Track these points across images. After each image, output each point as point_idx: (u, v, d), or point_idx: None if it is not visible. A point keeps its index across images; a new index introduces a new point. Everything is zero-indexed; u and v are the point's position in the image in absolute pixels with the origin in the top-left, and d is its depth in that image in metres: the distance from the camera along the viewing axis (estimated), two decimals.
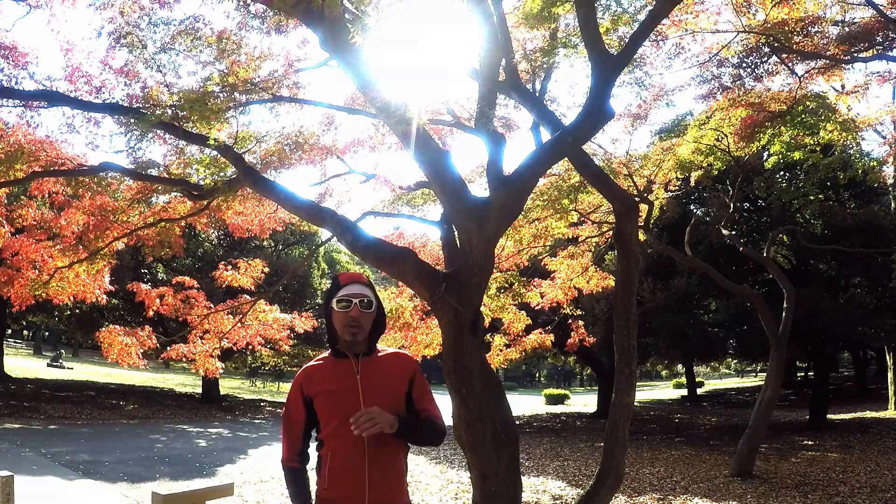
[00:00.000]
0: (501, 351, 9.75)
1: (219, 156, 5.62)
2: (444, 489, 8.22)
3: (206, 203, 6.33)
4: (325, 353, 2.18)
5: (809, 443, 12.22)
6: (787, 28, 6.48)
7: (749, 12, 6.72)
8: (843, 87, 8.00)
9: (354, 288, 2.08)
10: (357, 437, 1.93)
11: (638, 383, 5.95)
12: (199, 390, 23.24)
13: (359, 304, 2.05)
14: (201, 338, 7.75)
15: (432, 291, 3.94)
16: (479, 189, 8.00)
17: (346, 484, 1.98)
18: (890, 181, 13.81)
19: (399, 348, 2.38)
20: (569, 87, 36.67)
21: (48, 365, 28.56)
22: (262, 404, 24.24)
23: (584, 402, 30.64)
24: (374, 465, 1.98)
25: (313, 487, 2.10)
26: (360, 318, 2.05)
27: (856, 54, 6.83)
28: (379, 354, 2.14)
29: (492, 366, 8.49)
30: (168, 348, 7.77)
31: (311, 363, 2.17)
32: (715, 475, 9.09)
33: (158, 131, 5.62)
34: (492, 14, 4.05)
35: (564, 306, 9.54)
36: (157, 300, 7.82)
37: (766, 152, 9.31)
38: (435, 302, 3.98)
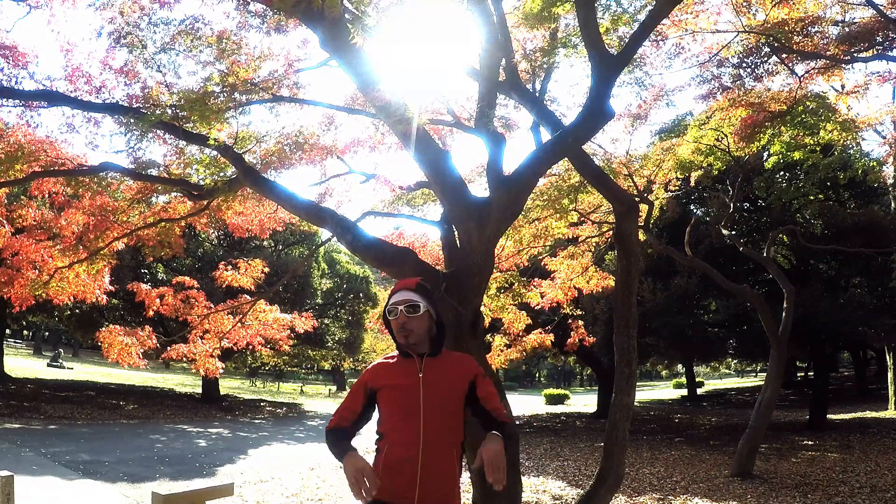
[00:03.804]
0: (502, 351, 9.75)
1: (219, 156, 5.62)
2: None
3: (206, 203, 6.33)
4: (396, 353, 2.25)
5: (809, 443, 12.22)
6: (787, 28, 6.47)
7: (749, 12, 6.72)
8: (843, 87, 7.99)
9: (401, 295, 2.19)
10: (414, 435, 2.02)
11: (638, 383, 5.95)
12: (199, 390, 23.24)
13: (404, 310, 2.14)
14: (201, 338, 7.75)
15: (432, 291, 3.94)
16: (479, 189, 8.01)
17: (398, 479, 2.02)
18: (890, 181, 13.81)
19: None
20: (569, 87, 36.57)
21: (48, 365, 28.56)
22: (262, 404, 24.24)
23: (584, 402, 30.65)
24: (428, 464, 2.02)
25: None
26: (409, 322, 2.14)
27: (856, 54, 6.83)
28: (443, 357, 2.20)
29: (492, 366, 8.50)
30: (168, 348, 7.76)
31: (382, 359, 2.27)
32: (715, 475, 9.08)
33: (158, 131, 5.63)
34: (492, 14, 4.05)
35: (564, 306, 9.54)
36: (157, 300, 7.81)
37: (766, 152, 9.31)
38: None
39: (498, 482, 1.84)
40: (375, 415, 2.21)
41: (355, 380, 2.40)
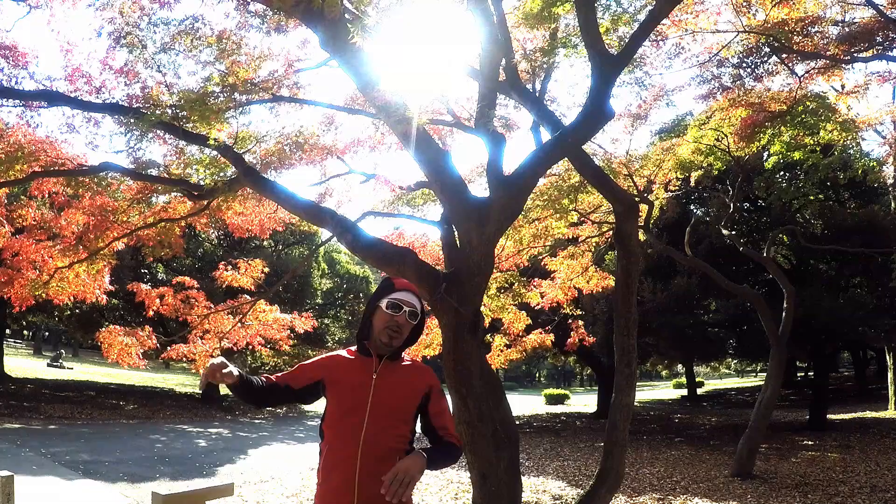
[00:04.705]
0: (502, 351, 9.75)
1: (219, 156, 5.62)
2: (444, 489, 8.22)
3: (206, 203, 6.33)
4: (355, 347, 2.19)
5: (809, 443, 12.22)
6: (787, 28, 6.48)
7: (749, 12, 6.72)
8: (843, 87, 7.99)
9: (408, 296, 2.12)
10: (353, 434, 1.96)
11: (638, 383, 5.95)
12: (199, 390, 23.24)
13: (407, 314, 2.09)
14: (201, 338, 7.75)
15: (432, 291, 3.94)
16: (479, 189, 8.01)
17: (336, 480, 1.97)
18: (890, 181, 13.80)
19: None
20: (569, 87, 36.72)
21: (48, 365, 28.55)
22: None
23: (584, 402, 30.64)
24: (366, 467, 1.94)
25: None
26: (405, 327, 2.10)
27: (856, 54, 6.83)
28: (402, 363, 2.14)
29: (492, 366, 8.50)
30: (168, 348, 7.77)
31: (341, 352, 2.19)
32: (715, 475, 9.08)
33: (158, 131, 5.63)
34: (492, 14, 4.05)
35: (564, 306, 9.54)
36: (157, 300, 7.82)
37: (766, 152, 9.31)
38: (435, 302, 3.98)
39: (391, 494, 1.75)
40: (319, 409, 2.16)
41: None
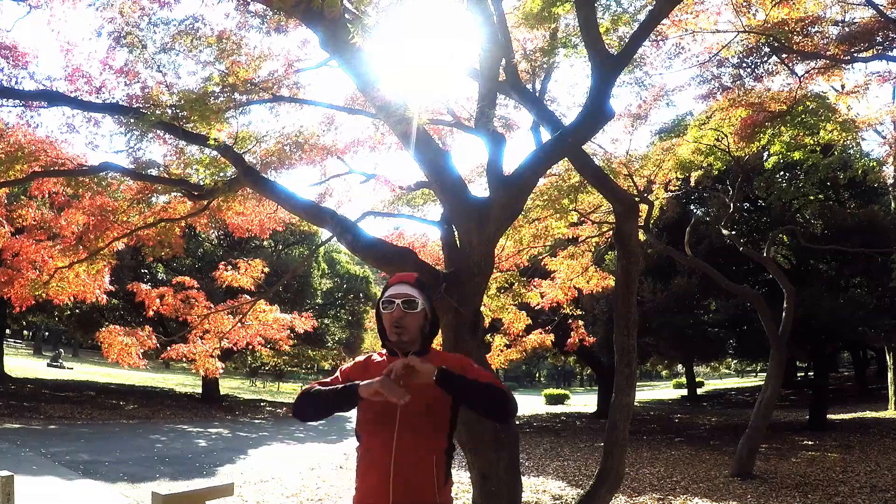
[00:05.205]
0: (502, 351, 9.75)
1: (219, 156, 5.62)
2: None
3: (206, 203, 6.33)
4: (383, 350, 2.16)
5: (809, 443, 12.22)
6: (787, 28, 6.48)
7: (749, 12, 6.72)
8: (843, 87, 7.99)
9: (399, 288, 2.07)
10: (387, 439, 1.91)
11: (638, 383, 5.95)
12: (199, 390, 23.23)
13: (401, 305, 2.02)
14: (201, 338, 7.75)
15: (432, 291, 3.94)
16: (479, 189, 8.01)
17: (372, 481, 1.94)
18: (890, 181, 13.80)
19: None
20: (569, 87, 36.72)
21: (48, 365, 28.55)
22: (262, 404, 24.25)
23: (584, 402, 30.64)
24: (401, 471, 1.90)
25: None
26: (404, 318, 2.02)
27: (856, 54, 6.83)
28: (432, 357, 2.06)
29: (492, 366, 8.50)
30: (168, 348, 7.76)
31: (374, 355, 2.16)
32: (715, 475, 9.08)
33: (158, 131, 5.63)
34: (492, 14, 4.05)
35: (564, 306, 9.54)
36: (157, 300, 7.82)
37: (766, 152, 9.31)
38: (435, 302, 3.98)
39: (392, 371, 1.75)
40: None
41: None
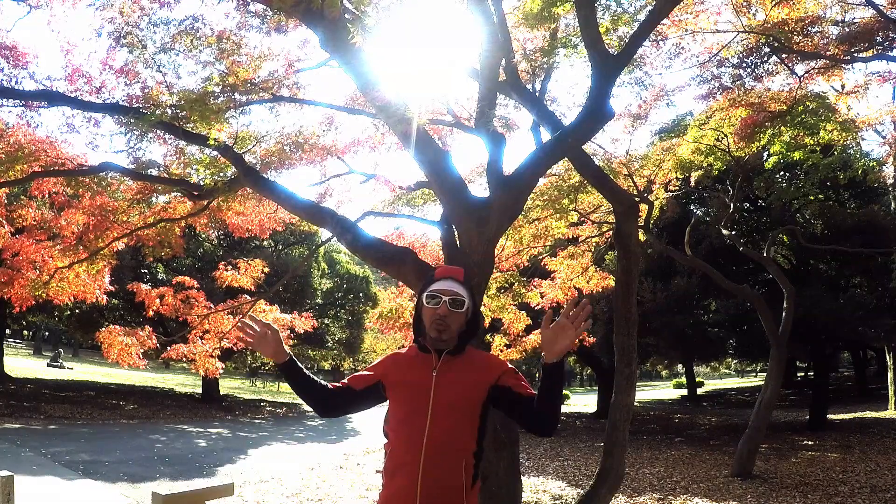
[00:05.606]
0: (501, 351, 9.73)
1: (219, 156, 5.63)
2: None
3: (206, 203, 6.33)
4: (413, 345, 2.08)
5: (809, 443, 12.22)
6: (787, 28, 6.48)
7: (749, 12, 6.73)
8: (843, 87, 7.99)
9: (447, 284, 1.96)
10: (415, 437, 1.85)
11: (638, 383, 5.95)
12: (199, 390, 23.23)
13: (448, 303, 1.92)
14: (201, 338, 7.74)
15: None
16: (479, 189, 8.00)
17: (400, 481, 1.87)
18: (890, 181, 13.80)
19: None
20: (569, 87, 36.53)
21: (48, 365, 28.55)
22: (262, 404, 24.24)
23: (584, 402, 30.63)
24: (430, 471, 1.83)
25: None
26: (449, 317, 1.92)
27: (856, 54, 6.83)
28: (466, 355, 1.98)
29: None
30: (168, 348, 7.76)
31: (400, 350, 2.11)
32: (715, 475, 9.09)
33: (158, 131, 5.63)
34: (492, 14, 4.05)
35: (564, 306, 9.52)
36: (157, 300, 7.81)
37: (766, 152, 9.31)
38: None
39: (573, 318, 1.77)
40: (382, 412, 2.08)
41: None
